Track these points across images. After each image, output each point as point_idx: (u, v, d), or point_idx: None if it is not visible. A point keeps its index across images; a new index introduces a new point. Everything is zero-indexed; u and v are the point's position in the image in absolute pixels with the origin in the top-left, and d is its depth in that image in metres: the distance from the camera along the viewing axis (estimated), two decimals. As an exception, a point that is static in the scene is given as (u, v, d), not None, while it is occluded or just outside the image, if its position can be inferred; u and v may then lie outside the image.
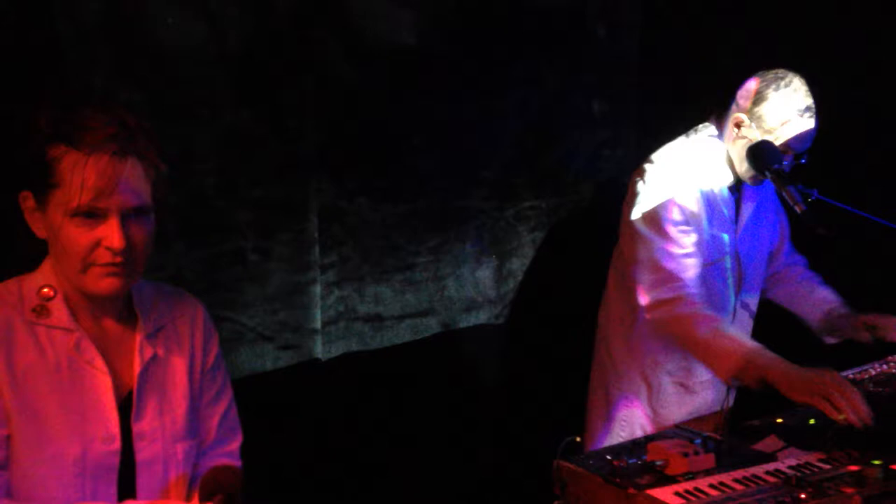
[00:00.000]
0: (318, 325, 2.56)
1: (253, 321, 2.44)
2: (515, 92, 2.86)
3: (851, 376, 2.13)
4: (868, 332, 2.33)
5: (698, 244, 2.24)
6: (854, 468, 1.74)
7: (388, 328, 2.70)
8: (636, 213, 2.27)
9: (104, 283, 1.43)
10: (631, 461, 1.83)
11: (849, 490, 1.63)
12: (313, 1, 2.39)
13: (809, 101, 2.22)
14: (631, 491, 1.69)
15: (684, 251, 2.20)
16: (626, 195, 2.35)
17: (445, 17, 2.65)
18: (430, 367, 2.78)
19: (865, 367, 2.17)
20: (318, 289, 2.55)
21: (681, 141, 2.40)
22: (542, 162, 2.98)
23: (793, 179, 2.15)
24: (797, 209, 2.06)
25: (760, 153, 2.21)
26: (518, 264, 2.94)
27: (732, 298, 2.40)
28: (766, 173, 2.18)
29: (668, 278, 2.18)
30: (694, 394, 2.40)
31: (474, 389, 2.89)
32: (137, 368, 1.52)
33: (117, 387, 1.49)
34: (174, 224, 2.24)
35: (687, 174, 2.30)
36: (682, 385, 2.39)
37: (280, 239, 2.45)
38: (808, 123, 2.21)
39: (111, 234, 1.39)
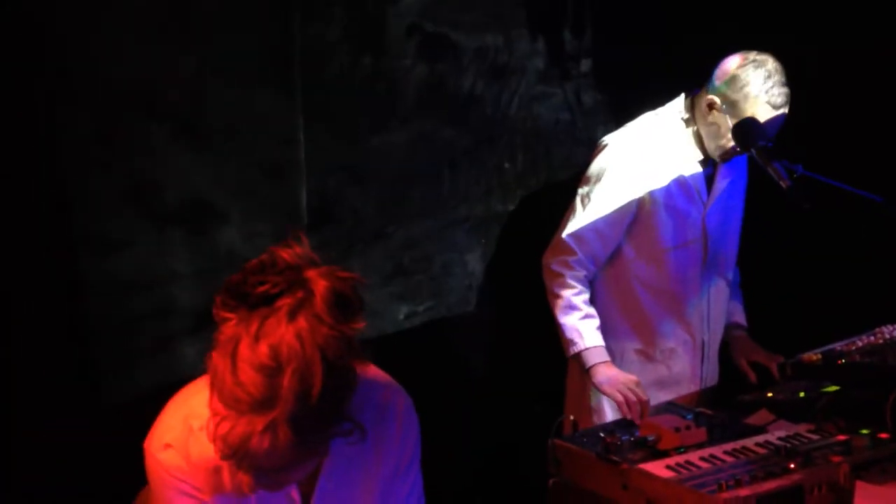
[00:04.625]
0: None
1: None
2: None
3: (839, 348, 2.15)
4: (752, 368, 2.45)
5: (618, 222, 2.34)
6: (842, 438, 1.77)
7: (377, 313, 2.72)
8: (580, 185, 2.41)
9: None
10: (624, 437, 1.86)
11: (837, 459, 1.67)
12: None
13: (785, 91, 2.23)
14: (624, 466, 1.72)
15: (593, 225, 2.33)
16: (585, 170, 2.43)
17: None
18: (421, 349, 2.80)
19: (853, 339, 2.20)
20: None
21: (647, 117, 2.43)
22: (529, 151, 2.99)
23: (778, 155, 2.17)
24: (782, 185, 2.09)
25: (746, 130, 2.23)
26: (508, 249, 2.95)
27: (705, 278, 2.44)
28: (752, 150, 2.20)
29: (565, 249, 2.35)
30: (656, 363, 2.44)
31: (468, 372, 2.91)
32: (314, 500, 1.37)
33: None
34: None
35: (648, 153, 2.33)
36: (643, 354, 2.43)
37: (269, 221, 2.47)
38: (782, 113, 2.24)
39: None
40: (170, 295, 2.28)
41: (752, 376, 2.42)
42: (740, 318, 2.58)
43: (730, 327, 2.56)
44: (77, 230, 2.14)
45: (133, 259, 2.22)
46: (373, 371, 1.43)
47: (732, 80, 2.25)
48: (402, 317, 2.79)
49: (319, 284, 1.17)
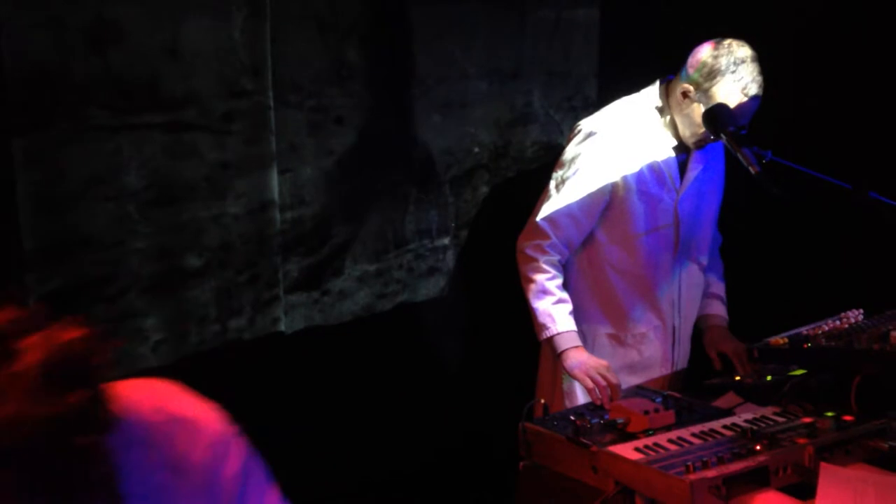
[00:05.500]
0: (280, 294, 2.57)
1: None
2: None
3: (805, 332, 2.18)
4: (719, 358, 2.47)
5: (592, 207, 2.35)
6: (807, 420, 1.80)
7: (349, 296, 2.71)
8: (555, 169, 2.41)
9: None
10: (593, 420, 1.87)
11: (802, 441, 1.69)
12: None
13: (759, 80, 2.24)
14: (594, 449, 1.73)
15: (567, 209, 2.34)
16: (560, 154, 2.44)
17: None
18: (393, 335, 2.79)
19: (819, 323, 2.23)
20: (278, 258, 2.55)
21: (623, 102, 2.43)
22: (506, 135, 2.99)
23: (748, 141, 2.18)
24: (752, 170, 2.10)
25: (716, 116, 2.24)
26: (480, 233, 2.95)
27: (677, 263, 2.46)
28: (722, 136, 2.21)
29: (539, 233, 2.36)
30: (627, 347, 2.46)
31: (439, 356, 2.92)
32: None
33: None
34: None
35: (622, 138, 2.34)
36: (615, 338, 2.46)
37: (242, 201, 2.44)
38: (754, 100, 2.25)
39: None
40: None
41: (717, 364, 2.44)
42: (719, 308, 2.59)
43: (707, 317, 2.58)
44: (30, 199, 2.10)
45: (95, 237, 2.19)
46: (161, 418, 1.21)
47: (704, 67, 2.25)
48: (372, 301, 2.78)
49: (30, 357, 1.00)
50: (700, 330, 2.57)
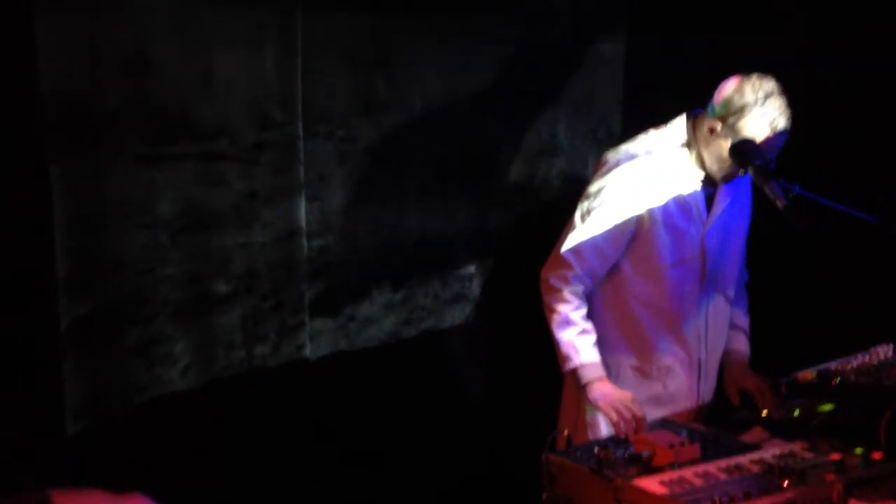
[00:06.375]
0: (306, 320, 2.59)
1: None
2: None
3: (834, 367, 2.16)
4: (739, 395, 2.43)
5: (617, 239, 2.35)
6: (836, 456, 1.78)
7: (373, 323, 2.73)
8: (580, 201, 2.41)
9: None
10: (618, 453, 1.86)
11: (830, 477, 1.67)
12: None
13: (787, 114, 2.24)
14: (618, 482, 1.72)
15: (592, 240, 2.34)
16: (586, 185, 2.44)
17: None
18: (418, 361, 2.80)
19: (848, 359, 2.20)
20: (305, 285, 2.58)
21: (650, 135, 2.43)
22: (529, 162, 3.01)
23: (775, 175, 2.18)
24: (779, 204, 2.09)
25: (743, 150, 2.24)
26: (504, 262, 2.96)
27: (703, 296, 2.44)
28: (749, 170, 2.21)
29: (564, 263, 2.35)
30: (652, 379, 2.43)
31: (462, 384, 2.92)
32: None
33: None
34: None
35: (649, 171, 2.34)
36: (639, 370, 2.43)
37: (270, 229, 2.48)
38: (781, 134, 2.25)
39: None
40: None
41: (735, 401, 2.41)
42: (741, 343, 2.56)
43: (729, 352, 2.55)
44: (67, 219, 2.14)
45: (126, 262, 2.23)
46: None
47: (731, 103, 2.25)
48: (398, 327, 2.80)
49: None
50: (721, 364, 2.55)
